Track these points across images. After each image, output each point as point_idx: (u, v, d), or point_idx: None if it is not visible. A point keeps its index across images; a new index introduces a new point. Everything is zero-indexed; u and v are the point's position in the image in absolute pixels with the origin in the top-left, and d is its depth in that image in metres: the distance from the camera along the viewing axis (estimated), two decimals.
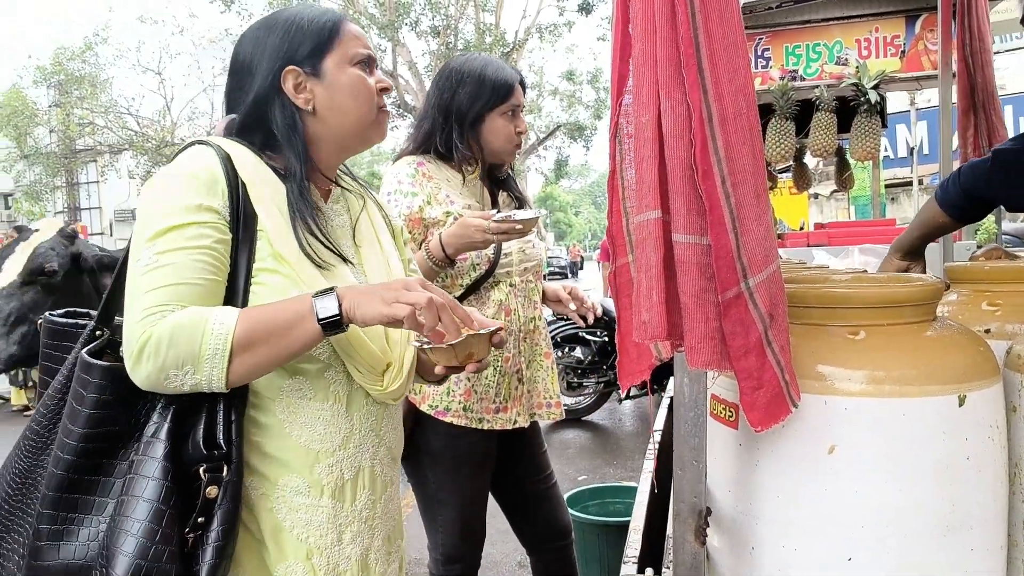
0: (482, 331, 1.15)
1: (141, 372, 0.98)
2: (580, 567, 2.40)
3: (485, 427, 1.93)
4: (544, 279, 2.19)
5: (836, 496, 0.69)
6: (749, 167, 0.62)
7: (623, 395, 6.24)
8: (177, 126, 21.21)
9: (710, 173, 0.61)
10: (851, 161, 3.86)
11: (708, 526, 0.71)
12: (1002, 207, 1.89)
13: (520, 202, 2.09)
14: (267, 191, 1.13)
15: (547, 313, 2.21)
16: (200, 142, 1.15)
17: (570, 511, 2.58)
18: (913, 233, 1.58)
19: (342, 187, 1.33)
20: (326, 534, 1.15)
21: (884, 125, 3.41)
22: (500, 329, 1.18)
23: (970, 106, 2.24)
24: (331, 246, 1.19)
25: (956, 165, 2.40)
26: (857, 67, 3.29)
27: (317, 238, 1.16)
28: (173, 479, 1.00)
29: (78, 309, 1.21)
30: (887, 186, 11.22)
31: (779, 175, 4.97)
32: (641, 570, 1.02)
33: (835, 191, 10.94)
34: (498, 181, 2.07)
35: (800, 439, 0.70)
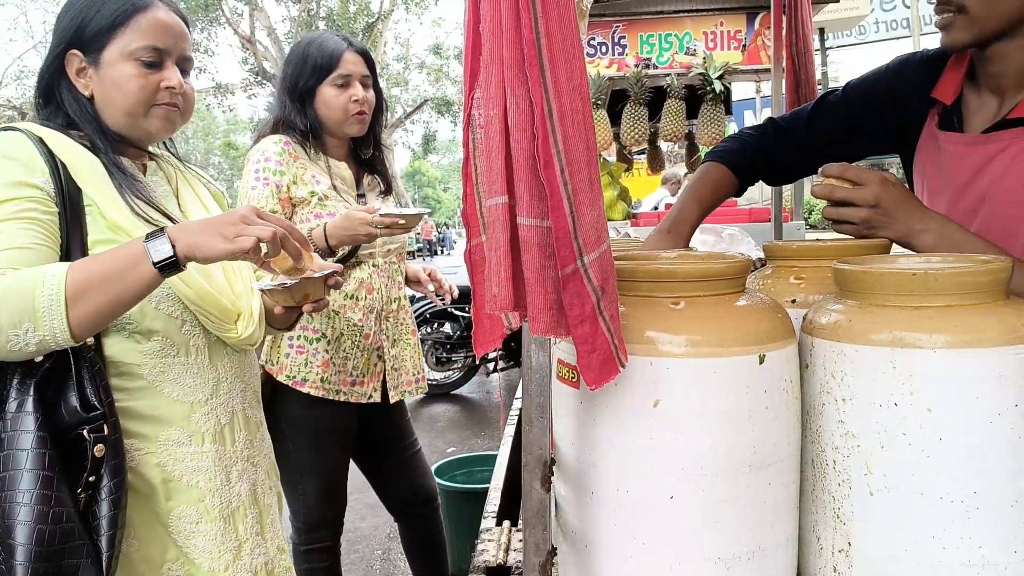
0: (317, 274, 1.21)
1: None
2: (448, 534, 2.51)
3: (341, 399, 1.98)
4: (412, 256, 2.24)
5: (660, 444, 0.80)
6: (584, 158, 0.71)
7: (491, 368, 6.41)
8: (3, 85, 19.28)
9: (551, 163, 0.69)
10: (699, 145, 4.14)
11: (552, 475, 0.80)
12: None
13: (385, 184, 2.12)
14: (88, 169, 1.14)
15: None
16: (7, 128, 1.14)
17: (439, 481, 2.67)
18: (685, 205, 1.51)
19: (156, 160, 1.35)
20: (214, 476, 1.21)
21: (728, 112, 3.69)
22: (336, 272, 1.26)
23: (795, 100, 2.48)
24: (161, 208, 1.23)
25: None
26: (704, 58, 3.53)
27: (146, 202, 1.20)
28: (52, 445, 1.01)
29: None
30: None
31: (635, 157, 5.23)
32: (499, 523, 1.12)
33: (687, 173, 11.56)
34: (362, 161, 2.09)
35: (630, 396, 0.80)
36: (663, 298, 0.84)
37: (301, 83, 1.92)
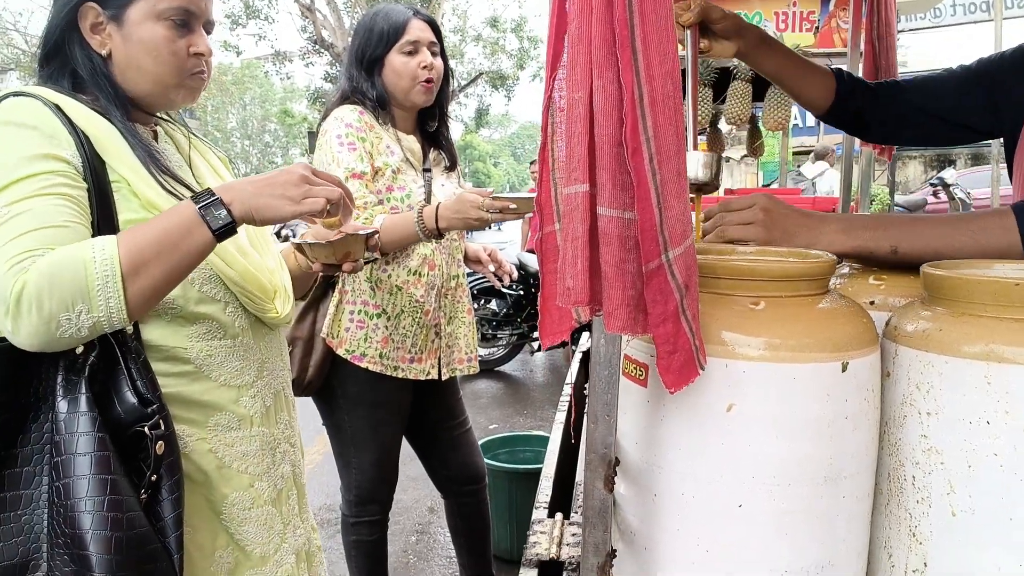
0: (361, 232, 1.18)
1: (25, 329, 0.88)
2: (491, 512, 2.50)
3: (400, 375, 1.97)
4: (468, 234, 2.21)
5: (731, 450, 0.77)
6: (673, 147, 0.67)
7: (535, 348, 6.39)
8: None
9: (639, 151, 0.65)
10: (763, 129, 4.01)
11: (616, 475, 0.77)
12: None
13: (450, 159, 2.09)
14: (112, 142, 1.05)
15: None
16: (19, 93, 1.04)
17: None
18: (929, 250, 0.99)
19: (163, 126, 1.26)
20: (262, 460, 1.19)
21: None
22: (376, 233, 1.22)
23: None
24: (185, 181, 1.15)
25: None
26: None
27: (171, 175, 1.12)
28: (113, 446, 0.95)
29: None
30: (794, 153, 11.69)
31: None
32: (551, 515, 1.10)
33: (745, 156, 11.32)
34: (428, 135, 2.07)
35: (702, 398, 0.77)
36: (742, 297, 0.80)
37: (369, 52, 1.90)
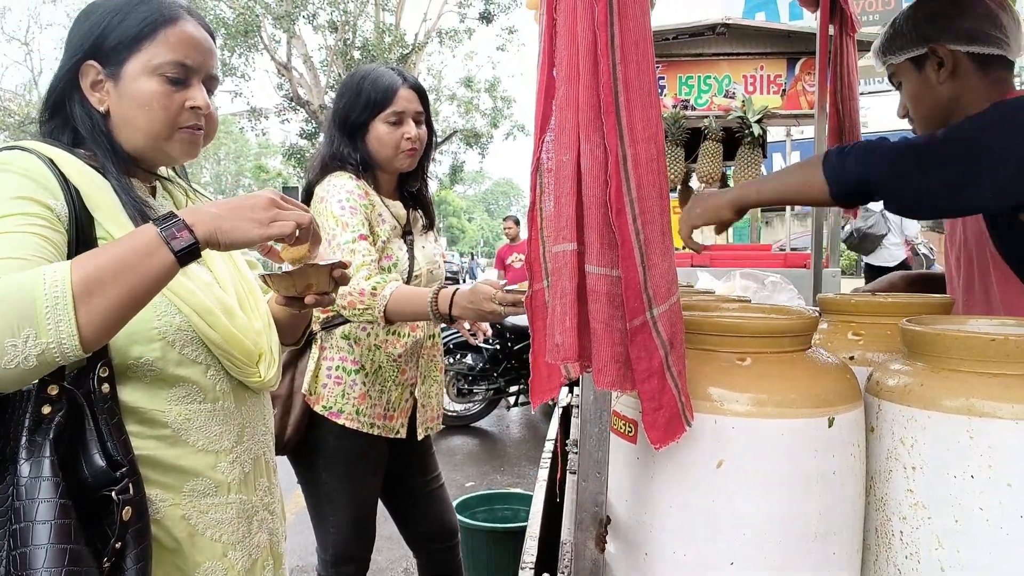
0: (322, 263, 1.12)
1: None
2: (468, 572, 2.45)
3: (375, 432, 1.95)
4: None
5: (722, 506, 0.77)
6: (657, 207, 0.69)
7: (511, 402, 6.35)
8: None
9: (623, 211, 0.67)
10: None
11: (607, 533, 0.77)
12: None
13: (428, 219, 2.11)
14: (101, 197, 1.04)
15: None
16: (14, 147, 1.03)
17: (460, 517, 2.62)
18: (774, 192, 1.37)
19: (163, 182, 1.25)
20: (237, 528, 1.14)
21: (764, 156, 3.66)
22: (342, 264, 1.18)
23: (837, 144, 2.45)
24: None
25: None
26: (743, 101, 3.52)
27: None
28: (75, 513, 0.90)
29: None
30: (762, 211, 11.95)
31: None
32: (538, 575, 1.08)
33: None
34: (410, 195, 2.08)
35: (692, 454, 0.77)
36: (728, 353, 0.81)
37: (353, 117, 1.91)
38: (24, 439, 0.90)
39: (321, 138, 2.10)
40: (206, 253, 1.17)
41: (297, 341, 1.38)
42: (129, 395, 1.04)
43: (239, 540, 1.14)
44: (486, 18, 17.89)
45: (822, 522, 0.78)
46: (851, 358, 1.04)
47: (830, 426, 0.78)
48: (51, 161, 1.02)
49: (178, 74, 1.11)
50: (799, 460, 0.77)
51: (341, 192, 1.85)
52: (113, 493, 0.92)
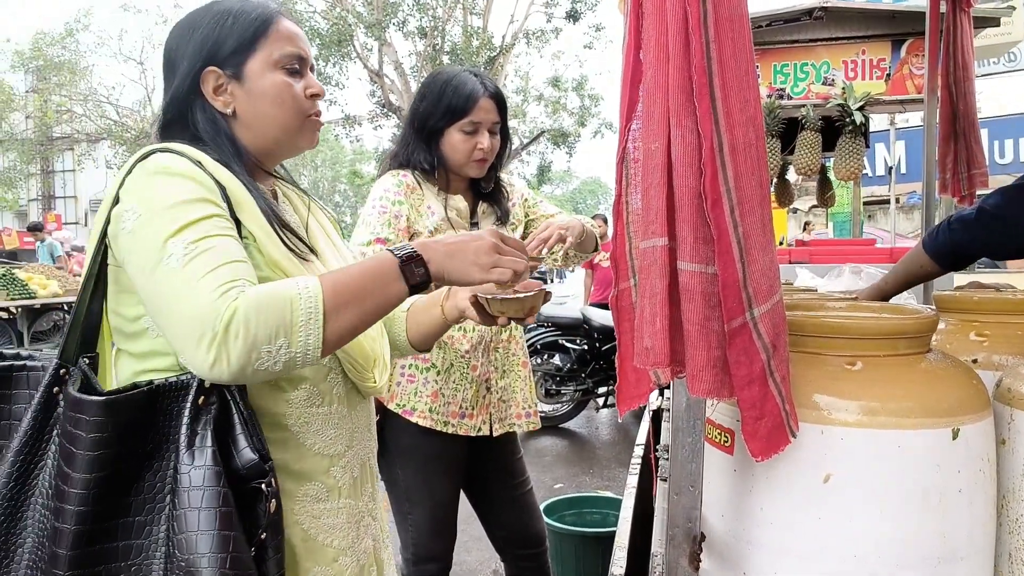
0: (545, 287, 1.20)
1: (226, 357, 0.87)
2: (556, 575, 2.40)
3: (449, 431, 1.94)
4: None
5: (830, 525, 0.70)
6: (756, 197, 0.63)
7: (600, 404, 6.26)
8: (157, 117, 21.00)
9: (719, 202, 0.61)
10: (833, 179, 3.90)
11: (702, 551, 0.71)
12: None
13: (502, 212, 2.08)
14: (243, 199, 1.07)
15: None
16: (164, 149, 1.05)
17: (548, 520, 2.58)
18: (898, 280, 1.59)
19: (281, 187, 1.27)
20: (347, 534, 1.15)
21: (867, 145, 3.46)
22: (549, 292, 1.24)
23: (951, 132, 2.28)
24: (306, 240, 1.16)
25: (937, 187, 2.44)
26: (843, 88, 3.33)
27: (293, 233, 1.13)
28: (234, 502, 0.93)
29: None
30: (865, 203, 11.37)
31: None
32: None
33: (814, 206, 11.07)
34: (482, 194, 2.08)
35: (796, 467, 0.71)
36: (835, 356, 0.74)
37: (431, 123, 1.92)
38: (185, 428, 0.94)
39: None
40: (319, 244, 1.21)
41: (428, 348, 1.41)
42: (254, 398, 1.06)
43: (349, 546, 1.15)
44: (573, 16, 17.76)
45: (945, 545, 0.70)
46: (974, 361, 0.94)
47: (954, 438, 0.70)
48: (199, 164, 1.05)
49: (296, 65, 1.16)
50: (917, 476, 0.69)
51: (378, 190, 1.90)
52: (263, 485, 0.95)
